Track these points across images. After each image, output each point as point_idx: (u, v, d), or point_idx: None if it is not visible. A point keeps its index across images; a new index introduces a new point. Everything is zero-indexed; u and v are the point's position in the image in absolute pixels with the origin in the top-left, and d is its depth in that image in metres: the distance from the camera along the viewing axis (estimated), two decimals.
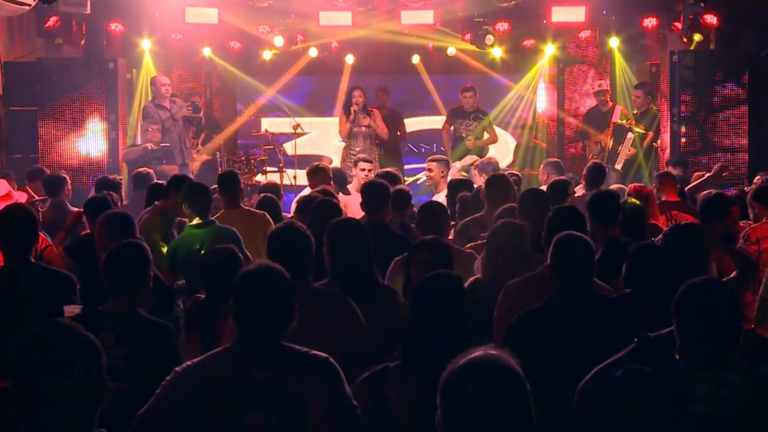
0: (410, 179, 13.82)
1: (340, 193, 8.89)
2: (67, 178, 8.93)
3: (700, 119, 12.10)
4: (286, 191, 10.49)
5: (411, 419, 3.45)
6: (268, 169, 12.77)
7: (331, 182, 8.63)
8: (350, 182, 10.06)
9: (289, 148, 13.82)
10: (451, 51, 14.55)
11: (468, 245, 6.14)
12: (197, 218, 6.56)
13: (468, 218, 6.84)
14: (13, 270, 4.88)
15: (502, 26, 13.30)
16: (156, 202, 7.28)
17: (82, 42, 12.69)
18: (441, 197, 8.78)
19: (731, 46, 12.43)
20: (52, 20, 11.97)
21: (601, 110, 13.18)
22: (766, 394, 3.01)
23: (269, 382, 3.30)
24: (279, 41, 13.55)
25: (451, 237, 6.79)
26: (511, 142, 14.89)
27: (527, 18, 13.42)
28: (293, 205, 7.71)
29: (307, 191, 8.66)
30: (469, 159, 11.67)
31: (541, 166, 10.37)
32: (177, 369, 3.44)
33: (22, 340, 2.69)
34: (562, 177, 8.41)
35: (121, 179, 9.88)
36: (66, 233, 7.13)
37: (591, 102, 14.20)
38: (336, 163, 13.13)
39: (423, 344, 3.54)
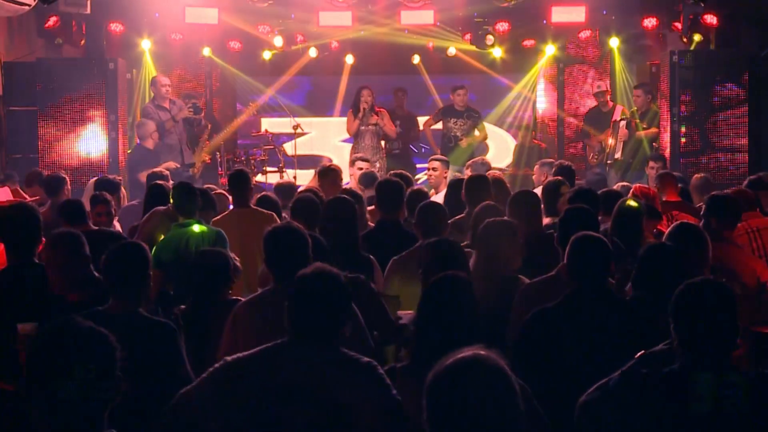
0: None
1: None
2: (67, 178, 8.93)
3: (700, 119, 12.09)
4: None
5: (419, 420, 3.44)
6: (268, 169, 12.78)
7: (341, 183, 8.56)
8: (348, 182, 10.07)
9: (289, 148, 13.82)
10: (451, 51, 14.56)
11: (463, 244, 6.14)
12: (183, 218, 6.56)
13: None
14: (16, 270, 4.88)
15: (502, 26, 13.31)
16: (159, 207, 7.28)
17: (82, 42, 12.69)
18: (440, 197, 8.78)
19: (731, 46, 12.42)
20: (52, 20, 11.97)
21: (601, 110, 13.18)
22: (765, 394, 3.00)
23: (313, 384, 3.27)
24: (279, 41, 13.55)
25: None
26: (511, 142, 14.89)
27: (527, 18, 13.43)
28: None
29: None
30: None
31: (536, 167, 10.37)
32: (227, 358, 3.43)
33: (38, 338, 2.68)
34: (557, 177, 8.39)
35: (120, 179, 9.88)
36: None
37: (591, 102, 14.20)
38: (336, 162, 13.12)
39: (431, 345, 3.53)
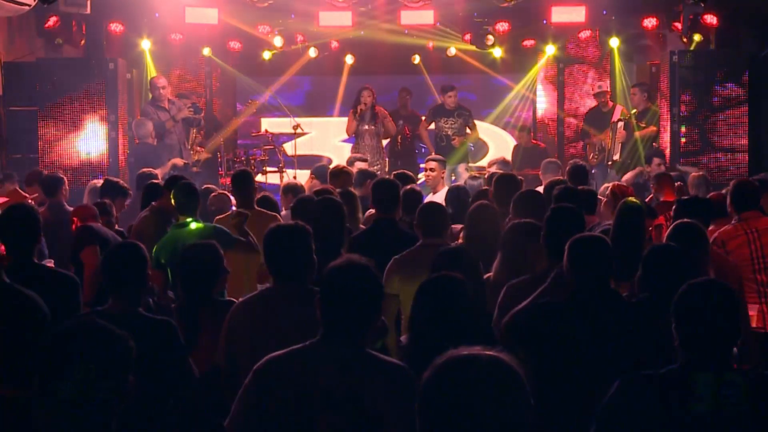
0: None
1: None
2: (65, 178, 8.92)
3: (700, 119, 12.09)
4: None
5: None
6: (268, 169, 12.79)
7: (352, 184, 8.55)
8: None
9: (288, 148, 13.82)
10: (451, 51, 14.56)
11: None
12: (182, 216, 6.56)
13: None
14: (15, 270, 4.87)
15: (502, 26, 13.30)
16: (153, 203, 7.27)
17: (82, 42, 12.70)
18: (439, 197, 8.78)
19: (731, 46, 12.42)
20: (52, 20, 11.97)
21: (601, 110, 13.18)
22: (765, 395, 3.00)
23: (343, 388, 3.18)
24: (279, 41, 13.56)
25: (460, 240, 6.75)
26: (511, 142, 14.89)
27: (527, 18, 13.43)
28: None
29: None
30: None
31: (542, 167, 10.35)
32: (257, 365, 3.34)
33: (50, 340, 2.67)
34: (559, 177, 8.40)
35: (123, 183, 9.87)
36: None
37: (591, 102, 14.19)
38: (336, 163, 13.12)
39: (426, 347, 3.51)
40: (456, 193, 7.93)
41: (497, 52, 14.04)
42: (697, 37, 12.40)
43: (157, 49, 13.75)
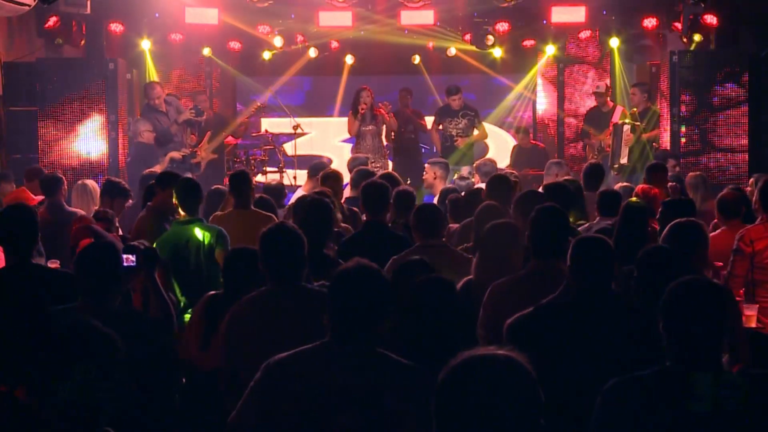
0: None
1: None
2: (64, 178, 8.92)
3: (700, 119, 12.08)
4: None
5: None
6: (268, 169, 12.80)
7: (342, 186, 8.53)
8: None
9: (288, 148, 13.83)
10: (451, 51, 14.56)
11: (459, 247, 6.15)
12: (185, 214, 6.56)
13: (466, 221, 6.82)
14: (13, 270, 4.88)
15: (502, 26, 13.29)
16: (148, 203, 7.28)
17: (82, 42, 12.69)
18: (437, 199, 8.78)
19: (731, 46, 12.41)
20: (52, 20, 11.96)
21: (601, 110, 13.18)
22: (761, 395, 2.99)
23: (361, 387, 3.21)
24: (279, 41, 13.56)
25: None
26: (511, 142, 14.89)
27: (527, 18, 13.42)
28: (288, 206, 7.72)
29: (299, 192, 8.68)
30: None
31: (546, 167, 10.28)
32: (267, 362, 3.37)
33: (40, 338, 2.67)
34: (568, 176, 8.39)
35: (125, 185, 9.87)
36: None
37: (591, 102, 14.19)
38: (336, 163, 13.13)
39: (415, 349, 3.50)
40: (446, 195, 7.91)
41: (497, 52, 14.04)
42: (697, 37, 12.38)
43: (157, 49, 13.76)
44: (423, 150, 14.14)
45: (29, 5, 10.22)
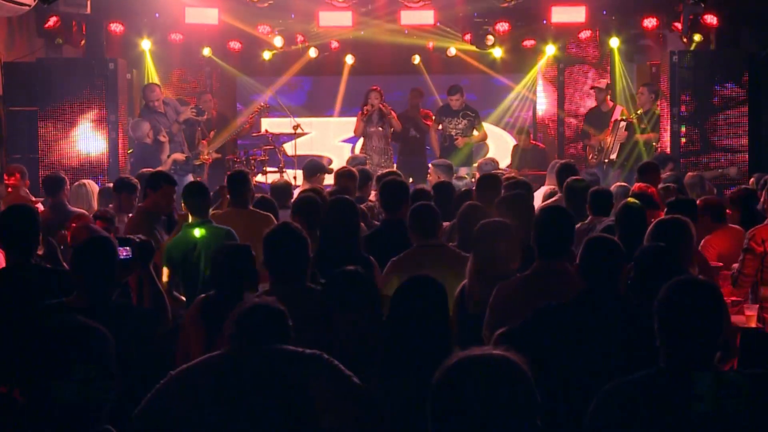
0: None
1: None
2: (66, 178, 8.93)
3: (700, 119, 12.09)
4: None
5: (393, 428, 3.41)
6: (268, 169, 12.79)
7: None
8: None
9: (289, 148, 13.83)
10: (451, 51, 14.56)
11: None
12: (194, 217, 6.56)
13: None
14: (14, 271, 4.88)
15: (502, 26, 13.29)
16: (139, 204, 7.28)
17: (82, 42, 12.70)
18: None
19: (731, 46, 12.42)
20: (52, 20, 11.97)
21: (601, 110, 13.18)
22: (760, 395, 2.98)
23: (265, 371, 3.30)
24: (279, 41, 13.56)
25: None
26: (511, 142, 14.88)
27: (527, 18, 13.42)
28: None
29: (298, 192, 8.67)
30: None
31: (549, 168, 10.20)
32: (172, 372, 3.44)
33: (32, 338, 2.67)
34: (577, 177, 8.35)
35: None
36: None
37: (591, 102, 14.18)
38: (336, 163, 13.13)
39: (402, 351, 3.49)
40: (439, 189, 7.88)
41: (497, 52, 14.04)
42: (697, 37, 12.40)
43: (157, 49, 13.76)
44: (428, 150, 14.13)
45: (29, 5, 10.22)
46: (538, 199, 8.95)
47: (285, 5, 12.99)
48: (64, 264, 5.33)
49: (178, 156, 12.05)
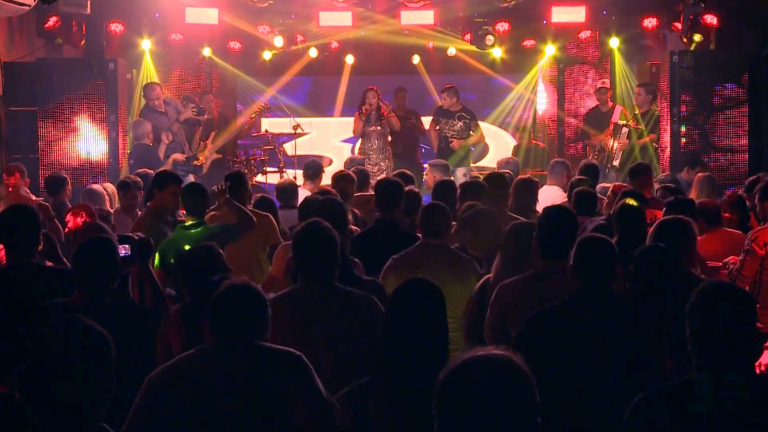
0: None
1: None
2: (68, 178, 8.93)
3: (700, 119, 12.09)
4: None
5: (393, 429, 3.41)
6: (268, 169, 12.79)
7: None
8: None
9: (289, 148, 13.83)
10: (451, 51, 14.56)
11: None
12: (190, 217, 6.56)
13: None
14: (14, 270, 4.88)
15: (502, 26, 13.30)
16: (147, 203, 7.28)
17: (82, 42, 12.70)
18: None
19: (731, 46, 12.42)
20: (52, 20, 11.97)
21: (601, 110, 13.18)
22: None
23: (243, 373, 3.37)
24: (279, 41, 13.55)
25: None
26: (511, 142, 14.89)
27: (527, 18, 13.43)
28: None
29: (303, 192, 8.67)
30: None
31: (550, 167, 10.21)
32: (149, 376, 3.51)
33: (35, 337, 2.67)
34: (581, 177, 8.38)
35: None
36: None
37: (591, 102, 14.19)
38: (336, 163, 13.13)
39: (401, 354, 3.49)
40: (441, 188, 7.86)
41: (497, 52, 14.04)
42: (697, 37, 12.39)
43: (157, 49, 13.76)
44: (423, 150, 14.12)
45: (29, 5, 10.22)
46: (545, 200, 8.94)
47: (285, 5, 13.00)
48: (64, 259, 5.33)
49: (178, 156, 12.06)
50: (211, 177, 12.21)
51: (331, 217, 5.48)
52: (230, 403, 3.34)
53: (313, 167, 9.22)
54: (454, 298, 5.02)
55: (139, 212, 7.85)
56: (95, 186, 9.25)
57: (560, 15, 12.91)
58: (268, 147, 12.86)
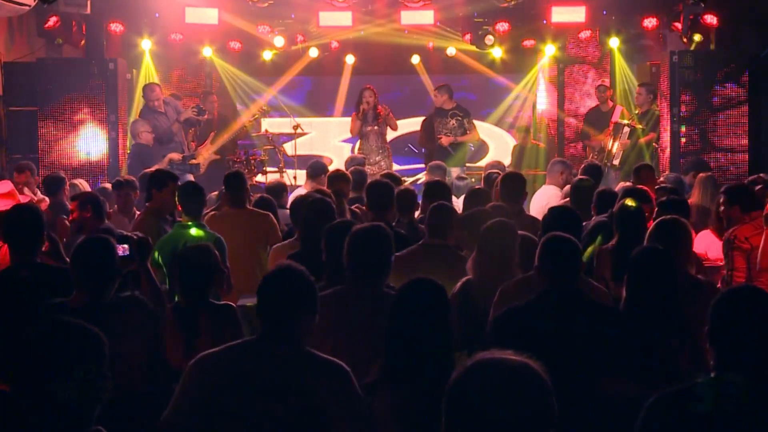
0: (410, 179, 13.81)
1: None
2: (66, 178, 8.93)
3: (700, 119, 12.09)
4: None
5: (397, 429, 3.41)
6: (268, 169, 12.78)
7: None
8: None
9: (289, 148, 13.82)
10: (451, 51, 14.56)
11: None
12: (187, 217, 6.56)
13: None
14: (17, 270, 4.88)
15: (502, 26, 13.29)
16: (146, 203, 7.29)
17: (82, 42, 12.70)
18: (458, 203, 8.73)
19: (731, 46, 12.42)
20: (52, 20, 11.97)
21: (601, 110, 13.19)
22: None
23: (284, 380, 3.33)
24: (279, 41, 13.55)
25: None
26: (511, 142, 14.89)
27: (527, 18, 13.43)
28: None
29: (300, 191, 8.67)
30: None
31: (550, 167, 10.20)
32: (197, 358, 3.49)
33: (28, 338, 2.67)
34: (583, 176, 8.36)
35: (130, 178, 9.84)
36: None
37: (591, 102, 14.18)
38: (336, 163, 13.12)
39: (405, 353, 3.48)
40: (431, 188, 7.84)
41: (497, 52, 14.03)
42: (697, 37, 12.40)
43: (157, 49, 13.76)
44: (423, 150, 14.12)
45: (29, 5, 10.23)
46: (541, 198, 8.95)
47: (285, 5, 12.99)
48: (67, 259, 5.33)
49: (175, 155, 12.03)
50: (209, 177, 12.21)
51: (319, 217, 5.52)
52: (274, 409, 3.31)
53: (314, 167, 9.22)
54: None
55: (137, 212, 7.85)
56: (77, 181, 9.26)
57: (560, 15, 12.91)
58: (268, 147, 12.86)
